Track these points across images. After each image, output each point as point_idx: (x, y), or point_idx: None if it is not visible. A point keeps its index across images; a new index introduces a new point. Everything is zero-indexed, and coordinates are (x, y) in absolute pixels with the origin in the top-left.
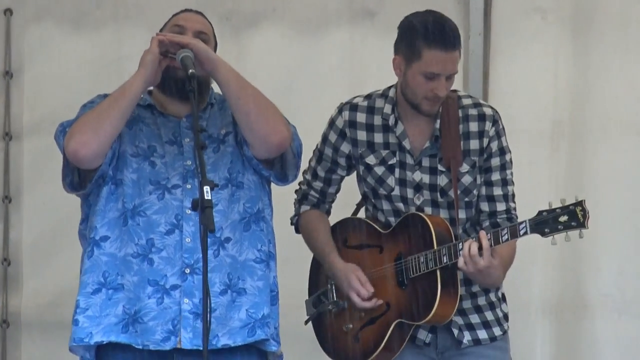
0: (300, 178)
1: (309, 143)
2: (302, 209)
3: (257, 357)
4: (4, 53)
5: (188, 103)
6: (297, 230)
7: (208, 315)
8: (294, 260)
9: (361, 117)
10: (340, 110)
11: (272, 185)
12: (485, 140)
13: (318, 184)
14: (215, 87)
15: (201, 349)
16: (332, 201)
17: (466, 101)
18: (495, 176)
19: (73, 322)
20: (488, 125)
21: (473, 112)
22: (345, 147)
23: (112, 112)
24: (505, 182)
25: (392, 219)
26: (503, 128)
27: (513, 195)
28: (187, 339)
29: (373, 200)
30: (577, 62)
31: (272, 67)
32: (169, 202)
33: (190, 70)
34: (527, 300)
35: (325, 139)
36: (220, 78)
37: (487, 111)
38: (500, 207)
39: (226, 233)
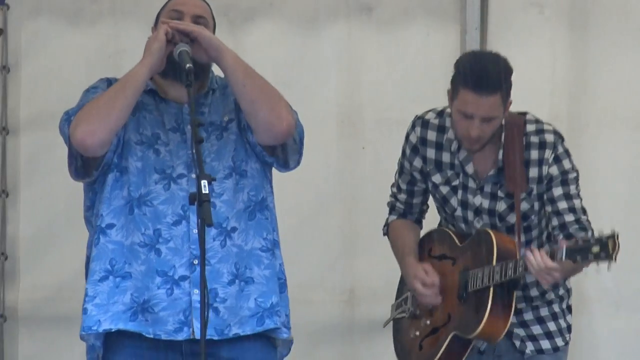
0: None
1: (306, 138)
2: (390, 219)
3: (267, 343)
4: (1, 48)
5: (190, 88)
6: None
7: (206, 306)
8: (293, 255)
9: (431, 135)
10: (413, 125)
11: (275, 177)
12: (545, 168)
13: (402, 196)
14: (216, 71)
15: (214, 338)
16: (422, 212)
17: (530, 127)
18: (557, 192)
19: (83, 311)
20: (548, 152)
21: (535, 139)
22: (418, 162)
23: (119, 100)
24: (569, 197)
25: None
26: (565, 151)
27: (582, 208)
28: (200, 330)
29: (443, 216)
30: (574, 56)
31: (269, 62)
32: (175, 192)
33: (188, 65)
34: None
35: (403, 152)
36: (226, 65)
37: (548, 138)
38: (569, 218)
39: (232, 223)
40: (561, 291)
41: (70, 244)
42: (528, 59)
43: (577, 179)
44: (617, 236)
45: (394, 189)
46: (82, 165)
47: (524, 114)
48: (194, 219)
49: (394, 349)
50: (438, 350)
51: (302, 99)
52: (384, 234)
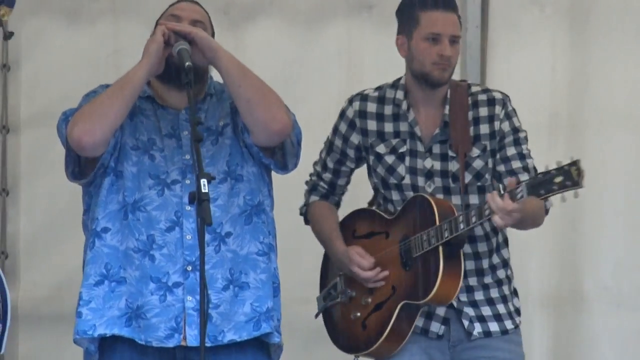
0: (311, 169)
1: (307, 135)
2: (311, 199)
3: (260, 349)
4: (1, 46)
5: (187, 93)
6: (307, 221)
7: (206, 310)
8: (293, 253)
9: (371, 107)
10: (350, 101)
11: (273, 177)
12: (497, 124)
13: (327, 175)
14: (215, 76)
15: (207, 345)
16: (342, 193)
17: (475, 88)
18: (511, 151)
19: (77, 315)
20: (498, 109)
21: (482, 97)
22: (355, 138)
23: (116, 100)
24: (522, 156)
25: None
26: (514, 110)
27: (535, 168)
28: (193, 336)
29: (383, 192)
30: (574, 54)
31: (270, 60)
32: (168, 198)
33: (187, 63)
34: (524, 293)
35: (335, 129)
36: (222, 66)
37: (497, 95)
38: (523, 177)
39: (227, 228)
40: (508, 271)
41: (70, 242)
42: (528, 58)
43: (526, 138)
44: (579, 161)
45: (318, 168)
46: (79, 167)
47: (464, 80)
48: (187, 224)
49: (331, 339)
50: (387, 324)
51: (302, 97)
52: (302, 214)
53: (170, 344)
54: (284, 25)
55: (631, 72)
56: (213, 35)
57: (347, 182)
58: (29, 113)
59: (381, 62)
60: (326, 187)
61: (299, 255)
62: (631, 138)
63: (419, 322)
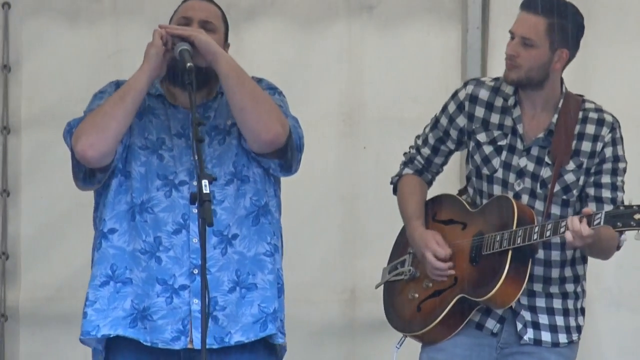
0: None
1: (307, 136)
2: (405, 172)
3: (267, 350)
4: (2, 47)
5: (197, 93)
6: (395, 191)
7: (209, 311)
8: (295, 254)
9: (484, 95)
10: (465, 84)
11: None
12: (599, 145)
13: (426, 151)
14: None
15: (214, 347)
16: (437, 172)
17: (589, 105)
18: (605, 179)
19: (83, 315)
20: (605, 130)
21: (593, 115)
22: (461, 121)
23: (118, 110)
24: (615, 187)
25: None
26: (621, 137)
27: (622, 202)
28: (199, 339)
29: (475, 181)
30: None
31: (270, 61)
32: (176, 200)
33: (189, 64)
34: None
35: (444, 108)
36: (220, 70)
37: (608, 118)
38: (608, 209)
39: (233, 230)
40: (579, 288)
41: (71, 243)
42: None
43: (625, 170)
44: None
45: (419, 142)
46: (88, 174)
47: (581, 95)
48: (193, 227)
49: (384, 312)
50: (441, 312)
51: (303, 98)
52: (392, 183)
53: (177, 346)
54: (284, 26)
55: (631, 71)
56: (227, 30)
57: (444, 163)
58: (29, 114)
59: (382, 62)
60: (422, 162)
61: (301, 257)
62: (631, 138)
63: (476, 317)
